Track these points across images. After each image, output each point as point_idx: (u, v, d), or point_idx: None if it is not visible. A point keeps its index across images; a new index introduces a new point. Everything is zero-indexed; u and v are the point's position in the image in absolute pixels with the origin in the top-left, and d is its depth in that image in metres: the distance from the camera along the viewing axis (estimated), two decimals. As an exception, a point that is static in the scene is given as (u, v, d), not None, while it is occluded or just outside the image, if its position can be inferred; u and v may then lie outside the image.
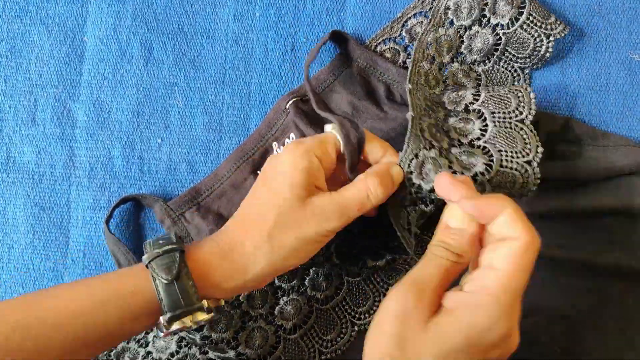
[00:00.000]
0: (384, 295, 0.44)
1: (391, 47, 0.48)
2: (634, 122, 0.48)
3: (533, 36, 0.45)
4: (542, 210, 0.45)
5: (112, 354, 0.44)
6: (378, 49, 0.48)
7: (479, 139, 0.39)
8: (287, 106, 0.46)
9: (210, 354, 0.43)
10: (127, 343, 0.44)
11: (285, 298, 0.44)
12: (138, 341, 0.44)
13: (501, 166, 0.37)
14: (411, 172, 0.35)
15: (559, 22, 0.45)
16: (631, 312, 0.45)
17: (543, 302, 0.46)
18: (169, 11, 0.49)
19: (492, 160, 0.36)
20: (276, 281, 0.44)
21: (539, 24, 0.45)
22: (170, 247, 0.34)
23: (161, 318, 0.33)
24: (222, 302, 0.36)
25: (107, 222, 0.46)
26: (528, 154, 0.38)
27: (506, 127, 0.39)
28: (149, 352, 0.43)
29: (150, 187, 0.48)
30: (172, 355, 0.43)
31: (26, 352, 0.30)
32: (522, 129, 0.39)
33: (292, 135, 0.46)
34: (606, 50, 0.48)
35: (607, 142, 0.46)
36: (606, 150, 0.45)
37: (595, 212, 0.45)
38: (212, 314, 0.34)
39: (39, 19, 0.50)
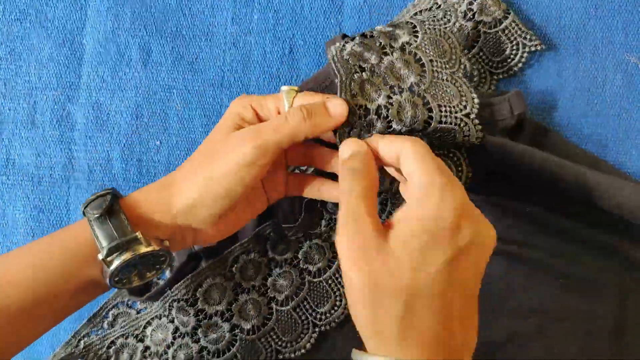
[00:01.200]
0: None
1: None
2: (630, 124, 0.48)
3: (511, 42, 0.46)
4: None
5: (111, 350, 0.44)
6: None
7: (418, 85, 0.39)
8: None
9: (202, 342, 0.43)
10: (126, 339, 0.44)
11: (278, 270, 0.45)
12: (136, 336, 0.44)
13: (440, 122, 0.38)
14: (354, 95, 0.36)
15: (536, 37, 0.47)
16: (628, 314, 0.45)
17: (540, 304, 0.46)
18: (167, 14, 0.50)
19: (431, 117, 0.37)
20: (269, 253, 0.45)
21: (519, 32, 0.46)
22: (103, 191, 0.35)
23: (99, 255, 0.34)
24: (167, 243, 0.36)
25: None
26: (465, 107, 0.38)
27: (444, 76, 0.40)
28: (147, 347, 0.44)
29: (149, 189, 0.49)
30: (167, 347, 0.43)
31: None
32: (458, 78, 0.40)
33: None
34: (602, 52, 0.49)
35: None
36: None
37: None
38: (153, 247, 0.34)
39: (39, 22, 0.50)
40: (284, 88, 0.37)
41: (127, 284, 0.36)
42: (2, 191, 0.49)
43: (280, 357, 0.44)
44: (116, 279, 0.35)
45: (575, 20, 0.49)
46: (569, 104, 0.49)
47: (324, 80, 0.47)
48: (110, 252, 0.34)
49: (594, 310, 0.45)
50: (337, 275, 0.45)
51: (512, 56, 0.47)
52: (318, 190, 0.41)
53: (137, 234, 0.34)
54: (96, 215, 0.34)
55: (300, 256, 0.45)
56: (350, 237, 0.30)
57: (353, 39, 0.39)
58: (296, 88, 0.38)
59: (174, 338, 0.44)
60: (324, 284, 0.44)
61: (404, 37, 0.40)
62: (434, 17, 0.42)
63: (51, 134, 0.49)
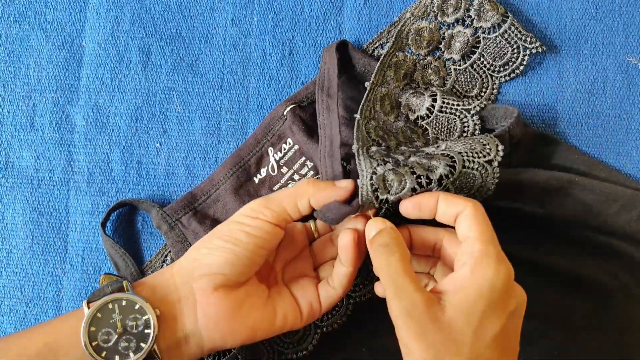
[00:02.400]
0: None
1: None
2: (631, 125, 0.48)
3: (512, 46, 0.46)
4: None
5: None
6: (375, 53, 0.48)
7: (438, 146, 0.40)
8: (285, 113, 0.46)
9: None
10: None
11: None
12: None
13: (464, 167, 0.37)
14: (376, 189, 0.36)
15: (536, 39, 0.46)
16: (628, 314, 0.45)
17: (540, 306, 0.46)
18: (167, 16, 0.50)
19: (454, 162, 0.37)
20: None
21: (519, 35, 0.46)
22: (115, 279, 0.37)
23: (84, 301, 0.34)
24: (157, 312, 0.35)
25: (103, 225, 0.46)
26: (489, 154, 0.38)
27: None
28: None
29: (149, 191, 0.48)
30: None
31: None
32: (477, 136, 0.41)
33: (289, 140, 0.46)
34: (603, 53, 0.49)
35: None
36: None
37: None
38: (137, 297, 0.34)
39: (38, 24, 0.50)
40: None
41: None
42: (1, 194, 0.49)
43: (283, 358, 0.44)
44: (94, 343, 0.33)
45: (575, 21, 0.49)
46: (569, 106, 0.48)
47: (324, 84, 0.47)
48: (92, 298, 0.35)
49: (595, 311, 0.45)
50: None
51: (513, 59, 0.47)
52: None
53: (122, 280, 0.35)
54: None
55: None
56: (403, 311, 0.31)
57: (384, 158, 0.38)
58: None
59: None
60: None
61: (441, 170, 0.37)
62: (472, 149, 0.39)
63: (50, 137, 0.49)
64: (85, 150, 0.49)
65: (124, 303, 0.34)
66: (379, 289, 0.38)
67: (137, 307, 0.34)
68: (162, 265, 0.47)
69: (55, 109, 0.49)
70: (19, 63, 0.50)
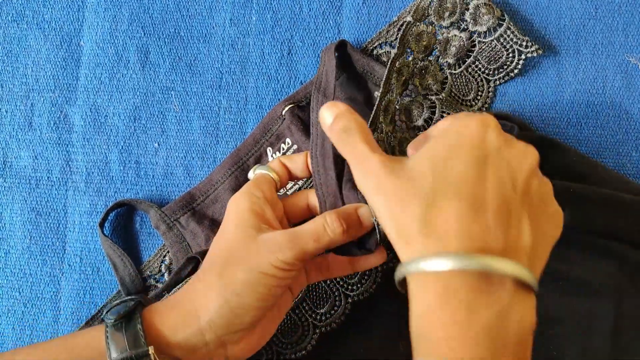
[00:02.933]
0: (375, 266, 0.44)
1: (387, 51, 0.48)
2: (630, 125, 0.48)
3: (507, 50, 0.46)
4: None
5: None
6: (374, 52, 0.48)
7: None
8: (283, 112, 0.46)
9: None
10: None
11: None
12: None
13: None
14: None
15: (532, 43, 0.46)
16: (626, 315, 0.45)
17: (539, 305, 0.46)
18: (165, 15, 0.49)
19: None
20: None
21: (515, 39, 0.46)
22: (128, 297, 0.34)
23: None
24: None
25: (102, 225, 0.46)
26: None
27: None
28: None
29: (147, 191, 0.48)
30: None
31: None
32: None
33: (287, 140, 0.46)
34: (602, 53, 0.48)
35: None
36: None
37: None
38: None
39: (36, 24, 0.50)
40: (260, 169, 0.38)
41: None
42: (0, 194, 0.49)
43: (282, 358, 0.44)
44: None
45: (574, 21, 0.49)
46: (568, 106, 0.48)
47: (321, 85, 0.47)
48: None
49: (592, 311, 0.45)
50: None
51: (508, 63, 0.47)
52: (339, 266, 0.39)
53: (149, 348, 0.31)
54: (111, 322, 0.32)
55: None
56: (364, 171, 0.30)
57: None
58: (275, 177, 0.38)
59: None
60: (323, 284, 0.44)
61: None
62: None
63: (48, 136, 0.49)
64: (84, 150, 0.49)
65: None
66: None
67: None
68: (160, 266, 0.47)
69: (53, 108, 0.49)
70: (17, 62, 0.49)
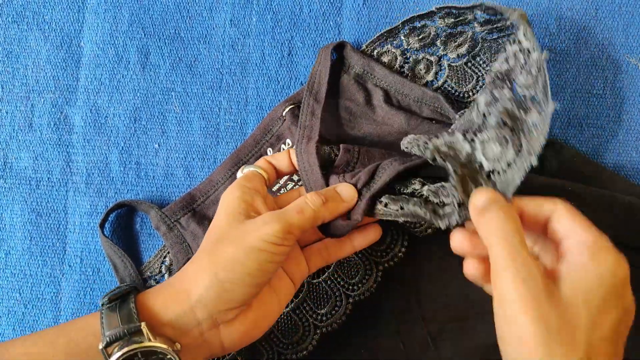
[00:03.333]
0: (375, 265, 0.44)
1: (388, 50, 0.48)
2: (631, 126, 0.48)
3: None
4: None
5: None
6: (375, 52, 0.48)
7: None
8: (284, 113, 0.46)
9: None
10: None
11: None
12: None
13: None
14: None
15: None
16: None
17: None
18: (165, 16, 0.49)
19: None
20: None
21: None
22: (123, 285, 0.34)
23: (99, 344, 0.32)
24: (178, 346, 0.33)
25: (102, 226, 0.46)
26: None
27: None
28: None
29: (148, 192, 0.48)
30: None
31: None
32: None
33: (287, 141, 0.46)
34: (603, 53, 0.48)
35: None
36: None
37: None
38: (158, 343, 0.32)
39: (36, 24, 0.50)
40: (247, 167, 0.40)
41: None
42: (0, 195, 0.48)
43: (283, 358, 0.44)
44: None
45: (575, 21, 0.49)
46: (569, 106, 0.48)
47: (314, 88, 0.46)
48: (110, 340, 0.31)
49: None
50: (335, 276, 0.44)
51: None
52: (338, 248, 0.41)
53: (141, 324, 0.32)
54: (106, 303, 0.33)
55: None
56: (518, 278, 0.28)
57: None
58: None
59: None
60: (323, 284, 0.44)
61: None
62: None
63: (49, 137, 0.49)
64: (84, 151, 0.49)
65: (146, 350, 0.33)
66: (457, 241, 0.34)
67: (158, 350, 0.33)
68: (160, 267, 0.47)
69: (53, 109, 0.49)
70: (17, 63, 0.50)
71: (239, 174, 0.40)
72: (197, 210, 0.46)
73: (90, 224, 0.48)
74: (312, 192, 0.37)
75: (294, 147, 0.42)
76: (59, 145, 0.49)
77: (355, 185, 0.38)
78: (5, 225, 0.48)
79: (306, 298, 0.44)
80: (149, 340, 0.32)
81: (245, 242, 0.33)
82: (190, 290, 0.33)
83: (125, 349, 0.31)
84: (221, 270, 0.33)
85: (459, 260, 0.46)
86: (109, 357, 0.31)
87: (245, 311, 0.35)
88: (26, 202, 0.48)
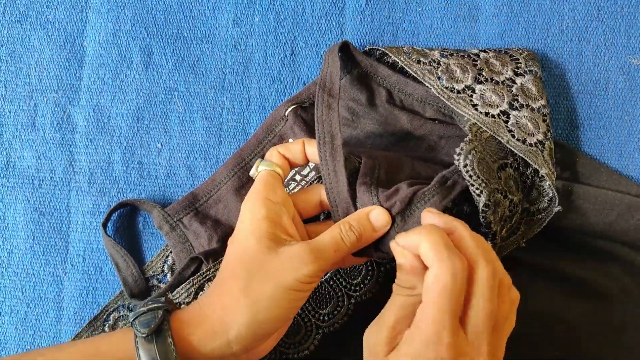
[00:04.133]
0: (377, 266, 0.44)
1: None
2: (633, 127, 0.48)
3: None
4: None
5: (105, 326, 0.44)
6: (377, 53, 0.48)
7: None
8: (286, 113, 0.46)
9: None
10: (119, 312, 0.44)
11: None
12: (130, 308, 0.44)
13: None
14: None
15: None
16: (628, 317, 0.45)
17: (542, 307, 0.46)
18: (168, 16, 0.50)
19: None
20: None
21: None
22: (155, 305, 0.34)
23: None
24: None
25: (105, 225, 0.46)
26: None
27: None
28: None
29: (150, 192, 0.48)
30: None
31: None
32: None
33: (290, 141, 0.46)
34: (605, 54, 0.49)
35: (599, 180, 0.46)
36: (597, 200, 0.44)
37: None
38: None
39: (39, 24, 0.50)
40: (265, 165, 0.38)
41: None
42: (2, 194, 0.49)
43: (284, 358, 0.44)
44: None
45: (577, 22, 0.49)
46: (571, 107, 0.48)
47: (326, 85, 0.46)
48: None
49: (595, 313, 0.45)
50: (338, 276, 0.44)
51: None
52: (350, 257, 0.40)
53: None
54: (143, 337, 0.32)
55: None
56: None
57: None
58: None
59: None
60: (325, 285, 0.44)
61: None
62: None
63: (52, 137, 0.49)
64: (87, 150, 0.49)
65: None
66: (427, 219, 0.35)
67: None
68: (162, 267, 0.47)
69: (56, 109, 0.49)
70: (21, 63, 0.50)
71: (254, 172, 0.38)
72: (200, 210, 0.46)
73: (92, 224, 0.48)
74: (345, 224, 0.36)
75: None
76: (62, 144, 0.49)
77: (389, 210, 0.37)
78: (8, 224, 0.48)
79: (309, 298, 0.44)
80: None
81: (282, 281, 0.33)
82: (228, 327, 0.33)
83: None
84: (259, 311, 0.33)
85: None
86: None
87: (271, 339, 0.36)
88: (29, 201, 0.48)
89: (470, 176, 0.36)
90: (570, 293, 0.46)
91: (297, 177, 0.46)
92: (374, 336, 0.32)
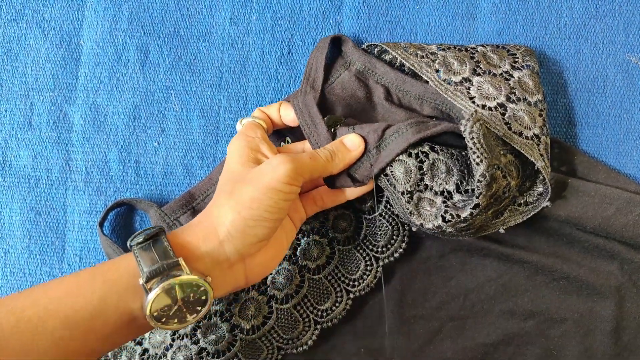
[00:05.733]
0: (375, 261, 0.44)
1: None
2: (631, 125, 0.48)
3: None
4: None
5: (109, 353, 0.44)
6: (376, 50, 0.48)
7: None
8: (283, 111, 0.46)
9: (202, 343, 0.43)
10: None
11: (276, 267, 0.44)
12: (134, 339, 0.44)
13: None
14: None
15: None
16: (627, 316, 0.45)
17: (540, 305, 0.46)
18: (165, 14, 0.49)
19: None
20: None
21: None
22: (152, 228, 0.36)
23: (139, 280, 0.33)
24: (209, 279, 0.36)
25: (101, 224, 0.46)
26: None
27: None
28: (145, 349, 0.43)
29: (147, 191, 0.48)
30: (166, 349, 0.43)
31: (19, 334, 0.31)
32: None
33: (287, 139, 0.46)
34: (603, 52, 0.48)
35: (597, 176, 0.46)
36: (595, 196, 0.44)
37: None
38: (195, 276, 0.34)
39: (35, 23, 0.50)
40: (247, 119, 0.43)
41: (166, 324, 0.35)
42: (-1, 193, 0.48)
43: (282, 353, 0.44)
44: (155, 313, 0.34)
45: (575, 20, 0.49)
46: (569, 105, 0.48)
47: (310, 75, 0.47)
48: (150, 276, 0.33)
49: (593, 311, 0.45)
50: (336, 272, 0.44)
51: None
52: (333, 199, 0.43)
53: (179, 259, 0.34)
54: (140, 242, 0.34)
55: (298, 253, 0.45)
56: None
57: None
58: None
59: (173, 340, 0.43)
60: (324, 280, 0.44)
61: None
62: None
63: (48, 136, 0.49)
64: (83, 149, 0.49)
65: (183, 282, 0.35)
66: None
67: (194, 283, 0.35)
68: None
69: (52, 107, 0.49)
70: (17, 62, 0.49)
71: (239, 127, 0.43)
72: (197, 209, 0.46)
73: (89, 223, 0.48)
74: (321, 147, 0.40)
75: (287, 101, 0.44)
76: (58, 143, 0.49)
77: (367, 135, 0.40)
78: (4, 223, 0.48)
79: (307, 294, 0.44)
80: (187, 274, 0.34)
81: (261, 182, 0.36)
82: (218, 227, 0.36)
83: (165, 282, 0.33)
84: (243, 208, 0.36)
85: (459, 259, 0.46)
86: (150, 291, 0.33)
87: (265, 245, 0.38)
88: (25, 200, 0.48)
89: (474, 143, 0.36)
90: (568, 291, 0.45)
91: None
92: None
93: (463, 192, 0.40)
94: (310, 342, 0.44)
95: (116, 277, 0.34)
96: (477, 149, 0.36)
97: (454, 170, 0.40)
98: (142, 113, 0.49)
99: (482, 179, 0.36)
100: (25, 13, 0.50)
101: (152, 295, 0.33)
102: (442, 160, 0.39)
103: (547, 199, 0.41)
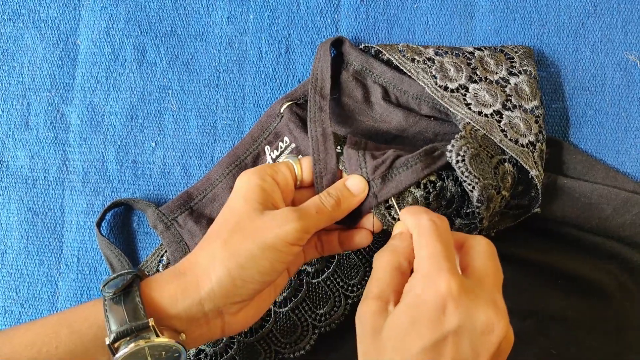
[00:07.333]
0: None
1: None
2: (630, 124, 0.48)
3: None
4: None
5: None
6: (372, 51, 0.47)
7: None
8: (282, 110, 0.46)
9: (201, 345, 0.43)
10: None
11: None
12: None
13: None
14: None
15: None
16: (629, 314, 0.45)
17: (539, 304, 0.46)
18: (162, 14, 0.49)
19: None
20: None
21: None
22: (125, 271, 0.34)
23: (106, 338, 0.31)
24: (183, 336, 0.33)
25: (99, 225, 0.46)
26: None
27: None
28: None
29: (144, 191, 0.48)
30: None
31: None
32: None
33: (285, 139, 0.46)
34: (602, 51, 0.48)
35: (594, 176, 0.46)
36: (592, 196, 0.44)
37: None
38: (165, 338, 0.32)
39: (32, 22, 0.49)
40: (289, 158, 0.40)
41: None
42: (-4, 194, 0.48)
43: (280, 357, 0.44)
44: None
45: (574, 18, 0.49)
46: (567, 103, 0.48)
47: (317, 84, 0.46)
48: (117, 337, 0.31)
49: (593, 310, 0.45)
50: (335, 276, 0.44)
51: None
52: (330, 246, 0.41)
53: (149, 320, 0.31)
54: (110, 295, 0.32)
55: None
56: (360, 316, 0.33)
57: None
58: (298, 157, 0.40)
59: None
60: (323, 284, 0.44)
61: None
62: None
63: (45, 136, 0.49)
64: (80, 149, 0.48)
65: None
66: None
67: (165, 345, 0.32)
68: (158, 266, 0.46)
69: (49, 107, 0.49)
70: (13, 62, 0.49)
71: (285, 158, 0.41)
72: (195, 209, 0.46)
73: (87, 223, 0.48)
74: (324, 192, 0.37)
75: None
76: (56, 143, 0.49)
77: (375, 168, 0.38)
78: (1, 224, 0.48)
79: (305, 298, 0.44)
80: (157, 336, 0.32)
81: (262, 238, 0.33)
82: (200, 283, 0.33)
83: (133, 345, 0.31)
84: (235, 266, 0.33)
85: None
86: (117, 352, 0.31)
87: (248, 303, 0.35)
88: (22, 201, 0.48)
89: (462, 172, 0.37)
90: (568, 290, 0.45)
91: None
92: (366, 310, 0.32)
93: (464, 216, 0.40)
94: (308, 347, 0.43)
95: (84, 328, 0.32)
96: (467, 176, 0.37)
97: (455, 197, 0.40)
98: (139, 113, 0.49)
99: (480, 204, 0.37)
100: (22, 13, 0.50)
101: (119, 356, 0.31)
102: (447, 187, 0.39)
103: (537, 205, 0.42)
